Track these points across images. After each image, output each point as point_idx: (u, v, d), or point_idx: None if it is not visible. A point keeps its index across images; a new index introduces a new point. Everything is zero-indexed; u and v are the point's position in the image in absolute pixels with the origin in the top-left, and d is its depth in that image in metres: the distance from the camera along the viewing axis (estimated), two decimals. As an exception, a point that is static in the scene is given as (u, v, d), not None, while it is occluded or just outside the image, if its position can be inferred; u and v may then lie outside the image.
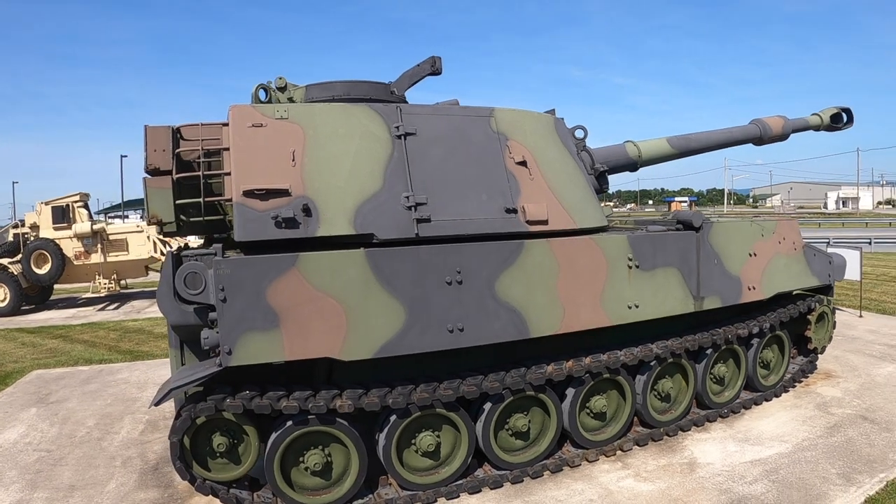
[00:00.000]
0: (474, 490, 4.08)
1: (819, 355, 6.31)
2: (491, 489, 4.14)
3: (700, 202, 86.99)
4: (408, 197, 3.75)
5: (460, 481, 4.08)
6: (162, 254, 14.32)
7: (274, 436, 3.65)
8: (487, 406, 4.09)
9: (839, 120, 7.39)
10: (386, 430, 3.83)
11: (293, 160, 3.65)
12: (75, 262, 13.58)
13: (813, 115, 7.49)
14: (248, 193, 3.55)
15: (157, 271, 16.59)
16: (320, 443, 3.78)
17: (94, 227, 13.73)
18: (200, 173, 3.78)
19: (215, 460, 3.71)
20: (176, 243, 14.75)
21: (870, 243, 19.77)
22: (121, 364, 8.18)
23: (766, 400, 5.66)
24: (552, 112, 4.93)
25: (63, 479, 4.54)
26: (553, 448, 4.43)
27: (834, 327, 6.22)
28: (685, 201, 76.95)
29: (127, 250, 14.11)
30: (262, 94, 4.17)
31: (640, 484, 4.20)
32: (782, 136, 7.32)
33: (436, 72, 4.50)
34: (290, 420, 3.63)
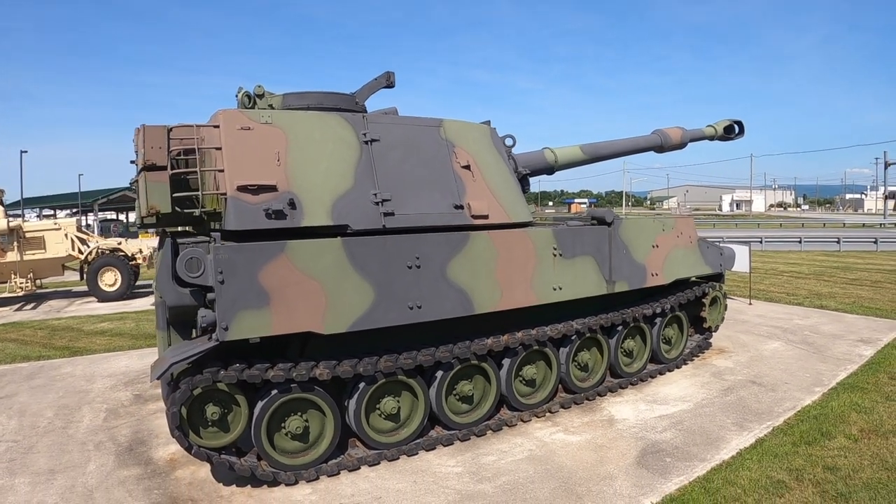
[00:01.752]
0: (430, 447, 4.73)
1: (713, 333, 7.53)
2: (444, 446, 4.81)
3: (599, 204, 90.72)
4: (375, 194, 4.36)
5: (418, 440, 4.71)
6: (80, 252, 13.76)
7: (260, 404, 4.09)
8: (439, 374, 4.75)
9: (731, 131, 8.59)
10: (356, 396, 4.38)
11: (278, 160, 4.15)
12: (-11, 261, 12.79)
13: (708, 126, 8.70)
14: (242, 188, 4.00)
15: (74, 270, 15.82)
16: (299, 409, 4.25)
17: (10, 224, 12.98)
18: (198, 170, 4.09)
19: (207, 429, 4.08)
20: (94, 241, 14.23)
21: (761, 242, 22.44)
22: (60, 360, 8.13)
23: (669, 371, 6.75)
24: (488, 123, 5.68)
25: (39, 464, 4.68)
26: (493, 411, 5.17)
27: (725, 310, 7.46)
28: (585, 203, 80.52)
29: (44, 248, 13.45)
30: (246, 101, 4.71)
31: (569, 436, 5.03)
32: (681, 145, 8.48)
33: (390, 85, 5.11)
34: (275, 389, 4.08)
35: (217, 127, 4.16)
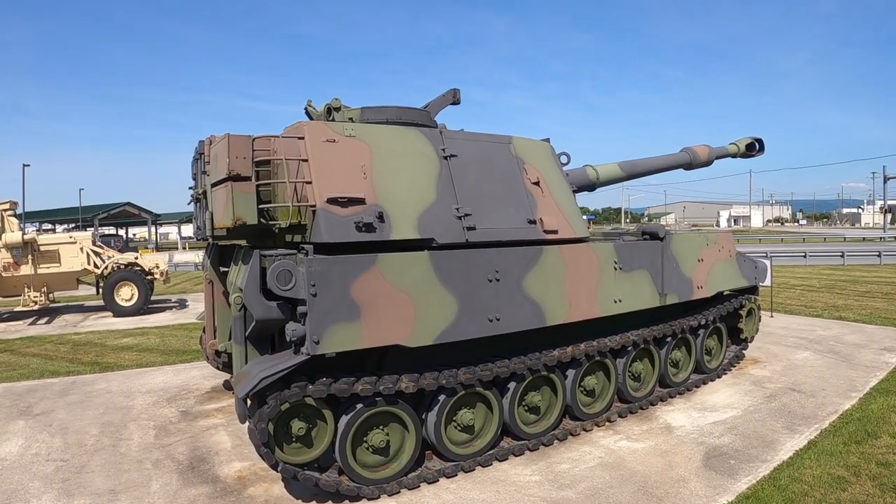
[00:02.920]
0: (503, 458, 4.81)
1: (749, 344, 7.72)
2: (515, 456, 4.89)
3: (597, 220, 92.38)
4: (457, 209, 4.47)
5: (491, 451, 4.78)
6: (96, 266, 13.67)
7: (346, 418, 4.11)
8: (512, 385, 4.85)
9: (753, 148, 8.89)
10: (436, 408, 4.44)
11: (364, 173, 4.21)
12: (4, 274, 12.67)
13: (731, 144, 8.98)
14: (332, 201, 4.04)
15: (89, 284, 15.69)
16: (381, 423, 4.29)
17: (25, 237, 12.88)
18: (287, 181, 4.09)
19: (291, 445, 4.06)
20: (109, 255, 14.14)
21: (767, 256, 22.79)
22: (91, 375, 8.05)
23: (711, 380, 6.91)
24: (547, 140, 5.86)
25: (97, 484, 4.57)
26: (558, 421, 5.27)
27: (759, 321, 7.66)
28: (584, 218, 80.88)
29: (59, 262, 13.36)
30: (326, 113, 4.75)
31: (633, 444, 5.15)
32: (707, 162, 8.73)
33: (456, 102, 5.27)
34: (360, 402, 4.12)
35: (301, 139, 4.18)
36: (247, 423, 4.03)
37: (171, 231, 78.03)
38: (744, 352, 7.73)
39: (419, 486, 4.39)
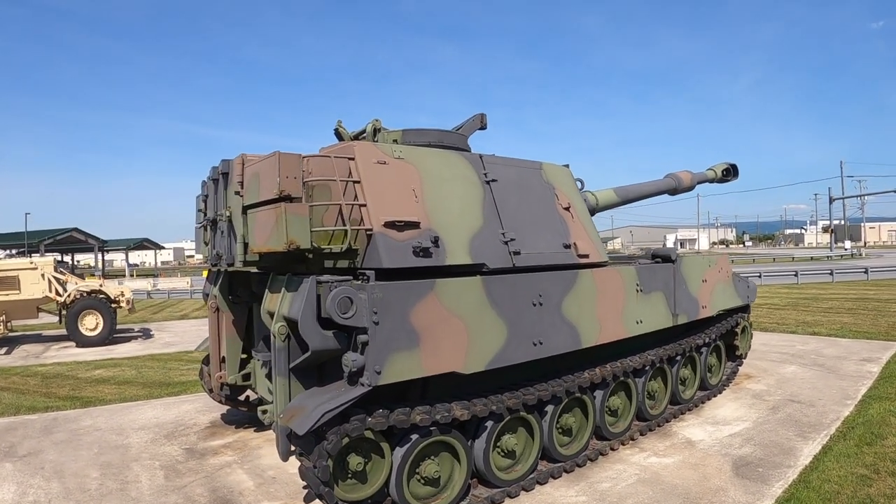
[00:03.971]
0: (543, 481, 4.81)
1: (743, 360, 8.08)
2: (554, 478, 4.90)
3: None
4: (503, 234, 4.52)
5: (532, 475, 4.78)
6: (58, 293, 12.85)
7: (401, 450, 3.97)
8: (550, 408, 4.89)
9: (728, 173, 9.45)
10: (483, 435, 4.40)
11: (416, 196, 4.16)
12: (-43, 303, 11.70)
13: (708, 169, 9.47)
14: (389, 224, 3.95)
15: (50, 312, 14.66)
16: (433, 453, 4.19)
17: (-20, 263, 12.00)
18: (342, 203, 3.92)
19: (345, 482, 3.86)
20: (72, 282, 13.34)
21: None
22: (73, 411, 7.47)
23: (714, 396, 7.18)
24: (567, 166, 6.05)
25: None
26: (588, 441, 5.33)
27: (752, 338, 8.05)
28: None
29: (18, 289, 12.46)
30: (351, 135, 4.62)
31: (663, 459, 5.29)
32: (690, 188, 9.20)
33: (483, 127, 5.38)
34: (415, 433, 4.01)
35: (352, 159, 4.08)
36: (299, 462, 3.85)
37: (115, 258, 74.21)
38: (739, 367, 8.09)
39: (469, 515, 4.32)
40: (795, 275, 23.52)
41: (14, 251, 36.46)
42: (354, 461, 3.85)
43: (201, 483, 5.02)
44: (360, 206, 4.00)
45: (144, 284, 30.83)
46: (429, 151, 4.52)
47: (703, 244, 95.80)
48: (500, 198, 4.70)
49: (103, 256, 47.04)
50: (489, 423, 4.42)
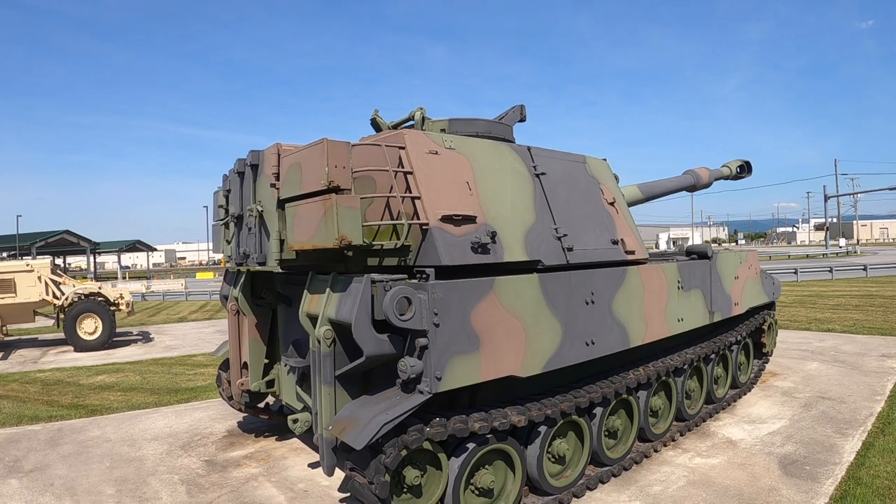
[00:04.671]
0: (593, 486, 4.64)
1: (770, 358, 7.98)
2: (602, 483, 4.74)
3: None
4: (556, 229, 4.32)
5: (581, 481, 4.60)
6: (55, 296, 12.45)
7: (457, 460, 3.73)
8: (598, 410, 4.72)
9: (743, 170, 9.39)
10: (537, 440, 4.20)
11: (470, 189, 3.91)
12: (-51, 308, 11.26)
13: (723, 166, 9.42)
14: (446, 219, 3.70)
15: (47, 316, 14.21)
16: (487, 462, 3.96)
17: (-26, 266, 11.57)
18: (399, 195, 3.64)
19: (401, 497, 3.61)
20: (69, 284, 12.94)
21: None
22: (79, 420, 7.09)
23: (744, 394, 7.07)
24: (605, 160, 5.88)
25: None
26: (633, 443, 5.17)
27: (777, 335, 7.96)
28: None
29: (14, 292, 12.03)
30: (389, 125, 4.33)
31: (708, 460, 5.15)
32: (708, 184, 9.12)
33: (523, 119, 5.18)
34: (471, 442, 3.77)
35: (402, 148, 3.82)
36: (343, 475, 3.60)
37: (107, 260, 73.02)
38: (765, 365, 8.00)
39: (525, 526, 4.12)
40: (795, 272, 23.65)
41: (5, 254, 35.67)
42: (411, 474, 3.60)
43: (228, 498, 4.68)
44: (414, 198, 3.74)
45: (138, 287, 30.25)
46: (478, 142, 4.28)
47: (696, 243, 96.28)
48: (550, 191, 4.51)
49: (95, 258, 46.22)
50: (542, 428, 4.23)
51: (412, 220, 3.73)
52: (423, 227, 3.73)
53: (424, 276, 3.54)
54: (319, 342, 3.76)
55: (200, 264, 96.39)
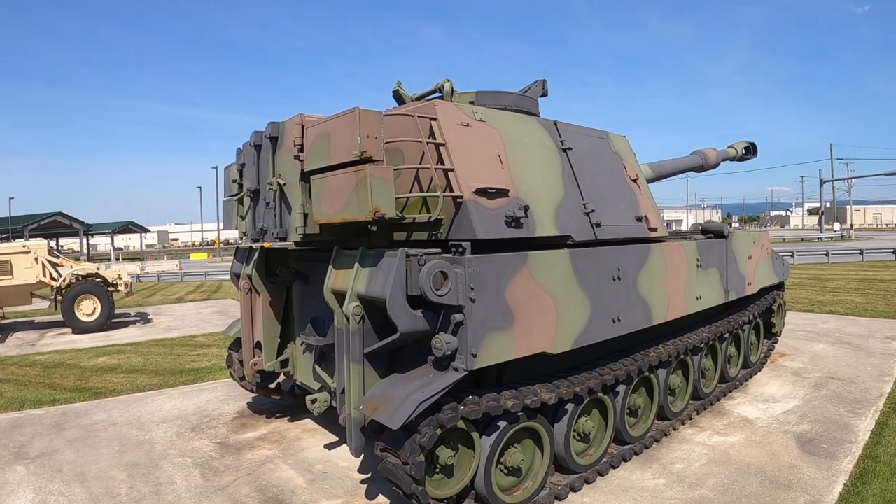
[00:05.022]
0: (616, 465, 4.63)
1: (778, 338, 8.02)
2: (625, 461, 4.74)
3: None
4: (584, 204, 4.24)
5: (604, 459, 4.59)
6: (52, 278, 12.25)
7: (488, 439, 3.68)
8: (622, 388, 4.70)
9: (749, 151, 9.35)
10: (564, 419, 4.17)
11: (501, 162, 3.80)
12: (-55, 289, 11.04)
13: (729, 147, 9.37)
14: (480, 192, 3.60)
15: (44, 298, 13.99)
16: (516, 440, 3.92)
17: (-31, 246, 11.32)
18: (433, 167, 3.51)
19: (432, 478, 3.53)
20: (67, 265, 12.74)
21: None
22: (83, 404, 6.93)
23: (755, 374, 7.10)
24: (625, 137, 5.78)
25: None
26: (652, 422, 5.16)
27: (785, 315, 7.99)
28: None
29: (11, 274, 11.80)
30: (412, 97, 4.21)
31: (727, 438, 5.17)
32: (716, 164, 9.07)
33: (545, 93, 5.06)
34: (503, 420, 3.72)
35: (434, 119, 3.69)
36: (360, 457, 3.54)
37: (100, 242, 72.22)
38: (774, 345, 8.03)
39: (553, 504, 4.08)
40: (792, 255, 23.82)
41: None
42: (445, 454, 3.52)
43: (245, 482, 4.56)
44: (448, 170, 3.61)
45: (133, 268, 29.96)
46: (507, 115, 4.18)
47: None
48: (577, 166, 4.42)
49: (88, 240, 45.65)
50: (570, 406, 4.20)
51: (440, 192, 3.62)
52: (458, 200, 3.62)
53: (460, 249, 3.42)
54: (348, 319, 3.66)
55: (193, 245, 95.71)
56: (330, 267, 4.04)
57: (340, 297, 3.83)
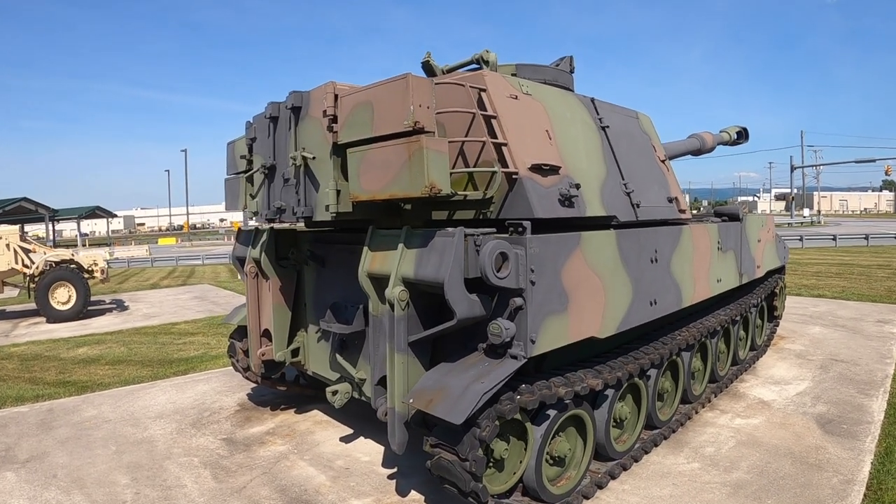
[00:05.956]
0: (647, 450, 4.57)
1: (780, 321, 8.12)
2: (655, 446, 4.68)
3: None
4: (625, 184, 4.09)
5: (637, 444, 4.51)
6: (24, 265, 11.56)
7: (538, 429, 3.53)
8: (653, 372, 4.62)
9: (741, 136, 9.41)
10: (604, 405, 4.06)
11: (550, 138, 3.60)
12: None
13: (722, 131, 9.41)
14: (535, 168, 3.39)
15: (16, 286, 13.20)
16: (562, 429, 3.77)
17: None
18: (488, 140, 3.27)
19: (485, 473, 3.35)
20: (40, 252, 12.06)
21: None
22: (69, 399, 6.42)
23: (760, 357, 7.18)
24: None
25: None
26: (677, 406, 5.12)
27: (786, 298, 8.09)
28: None
29: None
30: (442, 69, 3.93)
31: (748, 420, 5.19)
32: (711, 148, 9.09)
33: (572, 70, 4.88)
34: (552, 409, 3.57)
35: (484, 90, 3.44)
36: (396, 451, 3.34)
37: (65, 228, 69.24)
38: (776, 327, 8.15)
39: (595, 494, 3.96)
40: (767, 240, 24.38)
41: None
42: (500, 447, 3.34)
43: (262, 482, 4.22)
44: (501, 145, 3.37)
45: (102, 253, 28.83)
46: (550, 89, 3.98)
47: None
48: (616, 145, 4.27)
49: (54, 226, 43.62)
50: (609, 392, 4.08)
51: (496, 167, 3.37)
52: (513, 177, 3.39)
53: (520, 229, 3.18)
54: (393, 305, 3.36)
55: (160, 230, 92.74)
56: (365, 248, 3.71)
57: (378, 280, 3.57)
